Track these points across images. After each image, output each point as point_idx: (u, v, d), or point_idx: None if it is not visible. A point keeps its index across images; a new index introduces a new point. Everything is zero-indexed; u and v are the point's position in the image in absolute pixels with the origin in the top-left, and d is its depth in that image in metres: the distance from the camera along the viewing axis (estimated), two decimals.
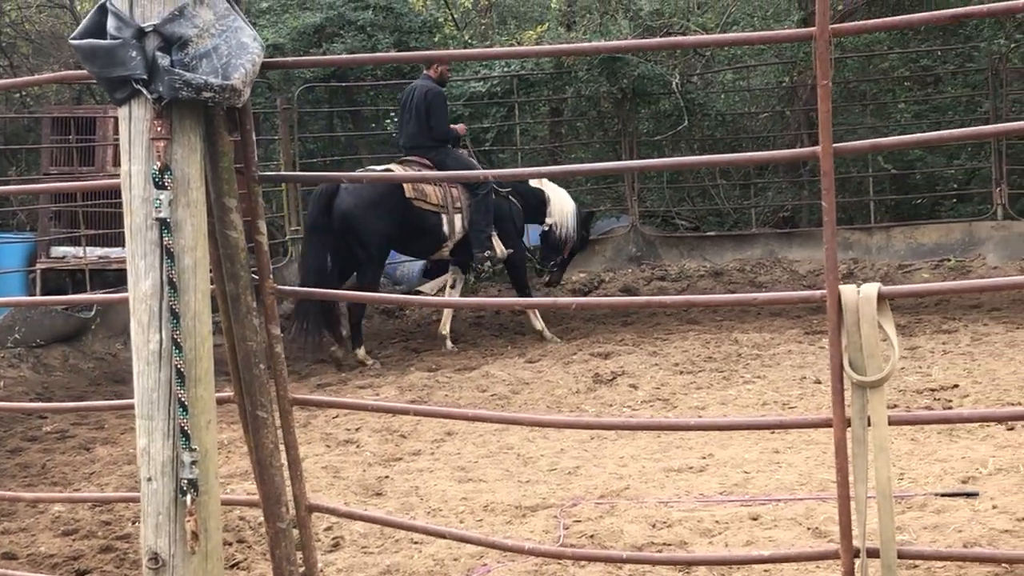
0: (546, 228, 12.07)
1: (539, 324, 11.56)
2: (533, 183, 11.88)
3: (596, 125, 16.47)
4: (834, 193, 2.82)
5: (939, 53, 15.50)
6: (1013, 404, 7.57)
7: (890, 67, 15.69)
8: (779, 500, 5.83)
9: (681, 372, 9.39)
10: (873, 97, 15.55)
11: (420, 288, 13.74)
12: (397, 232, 10.98)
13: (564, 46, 9.06)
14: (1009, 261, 13.00)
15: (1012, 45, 14.36)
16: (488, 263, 11.34)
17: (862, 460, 2.82)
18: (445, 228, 11.17)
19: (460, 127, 12.03)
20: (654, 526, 5.51)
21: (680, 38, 12.22)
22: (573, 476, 6.55)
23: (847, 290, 2.86)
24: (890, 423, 2.84)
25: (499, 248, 11.33)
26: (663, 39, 13.08)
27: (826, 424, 2.90)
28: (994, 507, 5.49)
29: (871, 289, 2.85)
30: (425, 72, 11.66)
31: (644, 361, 9.84)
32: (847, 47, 15.38)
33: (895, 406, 7.68)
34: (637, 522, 5.57)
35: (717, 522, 5.51)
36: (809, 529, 5.32)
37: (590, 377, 9.33)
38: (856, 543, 2.84)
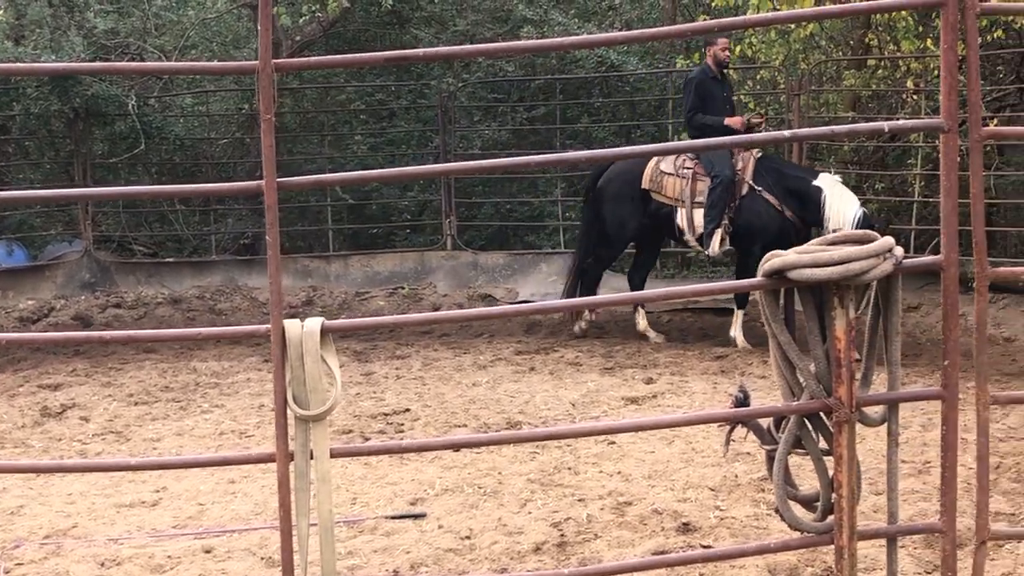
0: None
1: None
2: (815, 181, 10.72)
3: (47, 145, 15.57)
4: (278, 227, 2.82)
5: (393, 88, 16.18)
6: (460, 426, 8.01)
7: (347, 100, 16.17)
8: (233, 531, 5.78)
9: (136, 403, 9.07)
10: (331, 128, 15.95)
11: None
12: (635, 222, 11.10)
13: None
14: (457, 288, 13.77)
15: (460, 84, 15.32)
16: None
17: (305, 493, 2.83)
18: (680, 222, 10.87)
19: (735, 120, 10.85)
20: (103, 565, 5.28)
21: (120, 64, 11.72)
22: (16, 516, 6.15)
23: (291, 325, 2.87)
24: (332, 456, 2.88)
25: (714, 245, 10.76)
26: (99, 64, 12.65)
27: (270, 459, 2.89)
28: (440, 527, 5.77)
29: (314, 324, 2.88)
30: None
31: (97, 392, 9.42)
32: (306, 78, 15.66)
33: (350, 431, 7.87)
34: (85, 562, 5.31)
35: (169, 557, 5.37)
36: (263, 559, 5.31)
37: (37, 410, 8.78)
38: (299, 574, 2.86)
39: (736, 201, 10.70)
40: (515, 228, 15.15)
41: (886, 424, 3.09)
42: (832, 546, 2.97)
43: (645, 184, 11.05)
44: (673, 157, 11.02)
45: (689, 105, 10.91)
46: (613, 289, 12.34)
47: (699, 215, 10.78)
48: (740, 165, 10.69)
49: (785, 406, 2.96)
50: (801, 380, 2.96)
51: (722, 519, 5.84)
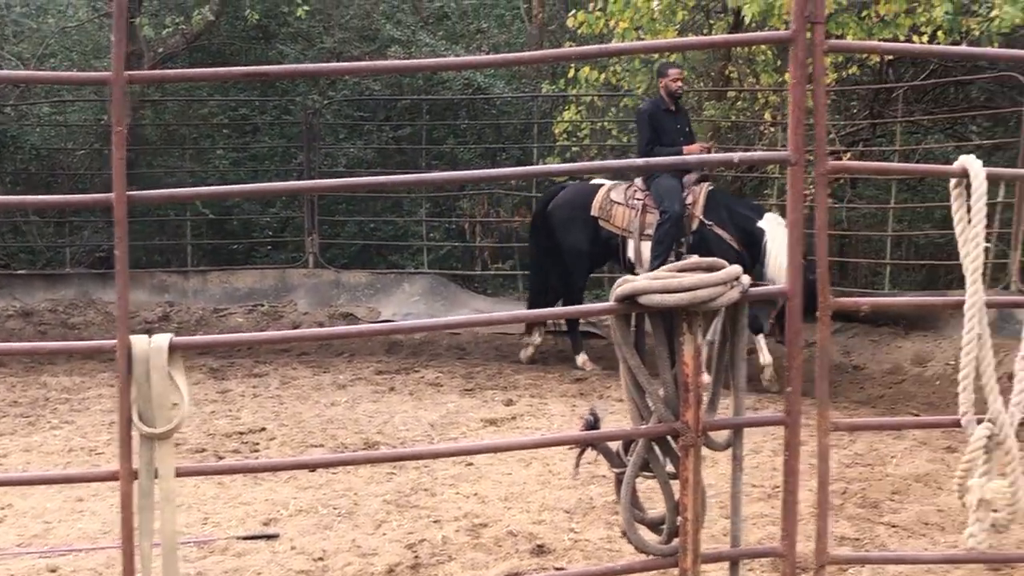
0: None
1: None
2: (759, 222, 10.39)
3: None
4: (127, 241, 2.76)
5: (257, 104, 16.00)
6: (316, 446, 7.92)
7: (210, 113, 15.94)
8: (79, 550, 5.62)
9: None
10: (193, 142, 15.69)
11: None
12: (588, 248, 10.86)
13: None
14: (318, 307, 13.65)
15: (326, 101, 15.22)
16: None
17: (149, 513, 2.78)
18: (629, 254, 10.54)
19: (694, 148, 10.55)
20: None
21: None
22: None
23: (138, 340, 2.81)
24: (179, 474, 2.82)
25: None
26: None
27: (113, 477, 2.82)
28: (293, 548, 5.69)
29: (162, 340, 2.82)
30: None
31: None
32: (168, 91, 15.40)
33: (203, 450, 7.72)
34: None
35: None
36: None
37: None
38: None
39: (687, 237, 10.48)
40: (379, 247, 15.10)
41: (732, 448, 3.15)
42: (677, 569, 3.01)
43: (594, 211, 10.88)
44: (624, 186, 10.90)
45: (644, 139, 10.65)
46: (475, 310, 12.37)
47: (647, 248, 10.59)
48: (690, 199, 10.53)
49: (633, 429, 3.00)
50: (650, 404, 3.01)
51: (576, 541, 5.88)
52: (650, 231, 10.53)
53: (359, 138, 15.72)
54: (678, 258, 9.91)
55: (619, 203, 10.82)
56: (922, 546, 5.69)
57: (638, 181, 10.82)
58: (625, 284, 2.97)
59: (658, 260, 10.21)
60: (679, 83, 10.75)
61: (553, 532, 5.99)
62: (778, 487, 6.85)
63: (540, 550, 5.73)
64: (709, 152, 10.57)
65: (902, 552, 5.52)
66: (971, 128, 14.64)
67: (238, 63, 15.53)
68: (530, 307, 11.53)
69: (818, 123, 2.99)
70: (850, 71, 12.71)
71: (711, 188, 10.72)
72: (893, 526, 6.12)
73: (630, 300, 2.95)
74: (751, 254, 10.22)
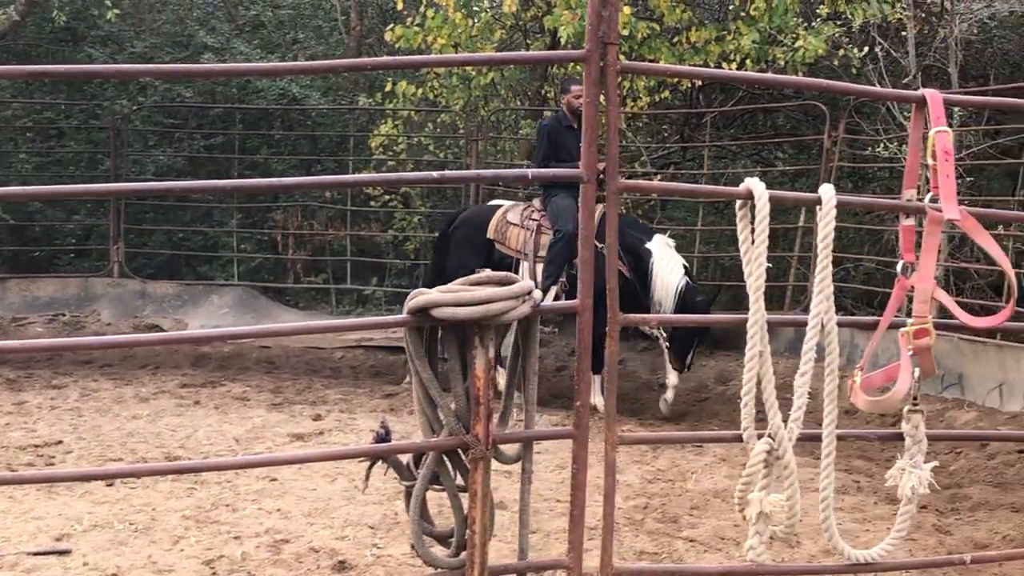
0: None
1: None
2: (648, 243, 9.92)
3: None
4: None
5: (63, 107, 15.49)
6: (115, 459, 7.69)
7: (13, 116, 15.34)
8: None
9: None
10: None
11: None
12: (481, 264, 9.17)
13: None
14: (123, 318, 13.25)
15: (135, 107, 14.82)
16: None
17: None
18: (524, 276, 9.09)
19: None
20: None
21: None
22: None
23: None
24: None
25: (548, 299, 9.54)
26: None
27: None
28: (85, 564, 5.51)
29: None
30: None
31: None
32: None
33: None
34: None
35: None
36: None
37: None
38: None
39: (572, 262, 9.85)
40: (188, 258, 14.75)
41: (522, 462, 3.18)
42: None
43: (490, 234, 10.46)
44: (521, 207, 10.54)
45: (541, 154, 10.27)
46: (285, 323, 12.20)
47: (541, 270, 10.21)
48: None
49: (424, 442, 3.00)
50: (441, 417, 3.01)
51: (379, 557, 5.85)
52: (544, 252, 10.18)
53: (169, 145, 15.35)
54: (569, 280, 9.81)
55: (515, 224, 10.44)
56: (718, 560, 5.85)
57: (536, 202, 10.55)
58: (418, 296, 2.97)
59: (549, 280, 10.00)
60: (580, 100, 10.32)
61: (356, 548, 5.94)
62: None
63: (342, 566, 5.68)
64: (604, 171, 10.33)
65: (685, 566, 5.66)
66: (777, 154, 15.18)
67: (44, 62, 14.99)
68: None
69: (611, 141, 3.04)
70: (663, 96, 13.04)
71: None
72: (691, 540, 6.27)
73: (423, 313, 2.95)
74: (639, 276, 9.98)
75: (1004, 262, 3.35)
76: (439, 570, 3.09)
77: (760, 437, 3.26)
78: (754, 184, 3.25)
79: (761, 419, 3.37)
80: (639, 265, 9.98)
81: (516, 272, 9.97)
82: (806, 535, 6.18)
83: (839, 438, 3.46)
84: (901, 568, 4.94)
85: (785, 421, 3.27)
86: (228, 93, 15.18)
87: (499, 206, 10.75)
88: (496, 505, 6.38)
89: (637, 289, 9.83)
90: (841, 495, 7.42)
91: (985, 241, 3.39)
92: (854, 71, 12.43)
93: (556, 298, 9.74)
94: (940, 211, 3.25)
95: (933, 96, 3.27)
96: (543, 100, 13.53)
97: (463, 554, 3.02)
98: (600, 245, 10.69)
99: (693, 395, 10.88)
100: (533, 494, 6.90)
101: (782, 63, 11.57)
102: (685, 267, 10.00)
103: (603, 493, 3.15)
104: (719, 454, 8.35)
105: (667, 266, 9.96)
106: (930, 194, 3.31)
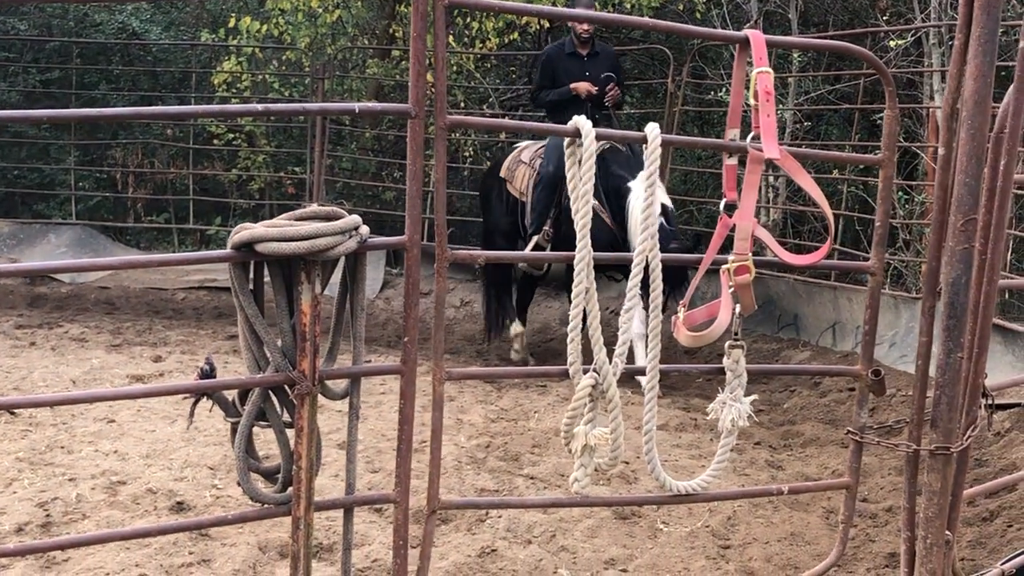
0: None
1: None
2: (631, 181, 8.88)
3: None
4: None
5: None
6: None
7: None
8: None
9: None
10: None
11: None
12: (504, 210, 9.74)
13: None
14: None
15: None
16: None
17: None
18: (527, 220, 9.29)
19: (581, 85, 9.28)
20: None
21: None
22: None
23: None
24: None
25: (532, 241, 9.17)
26: None
27: None
28: None
29: None
30: None
31: None
32: None
33: None
34: None
35: None
36: None
37: None
38: None
39: (560, 206, 9.09)
40: (24, 195, 14.23)
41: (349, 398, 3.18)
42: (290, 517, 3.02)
43: (503, 172, 9.79)
44: (536, 146, 9.71)
45: (536, 83, 9.73)
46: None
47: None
48: None
49: (249, 379, 2.98)
50: (267, 353, 2.99)
51: (218, 498, 5.82)
52: None
53: (3, 80, 14.75)
54: (555, 228, 9.18)
55: (523, 162, 9.70)
56: (555, 496, 5.97)
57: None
58: (243, 231, 2.93)
59: (532, 227, 9.33)
60: (583, 26, 9.39)
61: (195, 489, 5.91)
62: (424, 442, 7.02)
63: (180, 507, 5.65)
64: (595, 92, 9.26)
65: (508, 498, 5.77)
66: (625, 98, 15.30)
67: None
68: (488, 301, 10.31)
69: (438, 77, 3.03)
70: (512, 37, 13.03)
71: (608, 147, 8.83)
72: (531, 478, 6.39)
73: (247, 248, 2.92)
74: (619, 217, 9.03)
75: (822, 201, 3.45)
76: (264, 505, 3.09)
77: (586, 372, 3.33)
78: (581, 122, 3.28)
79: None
80: (621, 204, 9.02)
81: (521, 215, 9.60)
82: (642, 471, 6.35)
83: (664, 374, 3.56)
84: (720, 499, 5.13)
85: (610, 357, 3.34)
86: (65, 27, 14.63)
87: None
88: (339, 445, 6.41)
89: (616, 235, 9.00)
90: (679, 432, 7.62)
91: (804, 180, 3.49)
92: (698, 15, 12.61)
93: (537, 249, 9.16)
94: (761, 150, 3.33)
95: (756, 36, 3.35)
96: (391, 39, 13.39)
97: (290, 489, 3.02)
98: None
99: (538, 336, 11.01)
100: (378, 435, 6.95)
101: (628, 6, 11.67)
102: (666, 207, 8.69)
103: (431, 428, 3.18)
104: (562, 394, 8.48)
105: (638, 201, 8.68)
106: (752, 133, 3.39)
